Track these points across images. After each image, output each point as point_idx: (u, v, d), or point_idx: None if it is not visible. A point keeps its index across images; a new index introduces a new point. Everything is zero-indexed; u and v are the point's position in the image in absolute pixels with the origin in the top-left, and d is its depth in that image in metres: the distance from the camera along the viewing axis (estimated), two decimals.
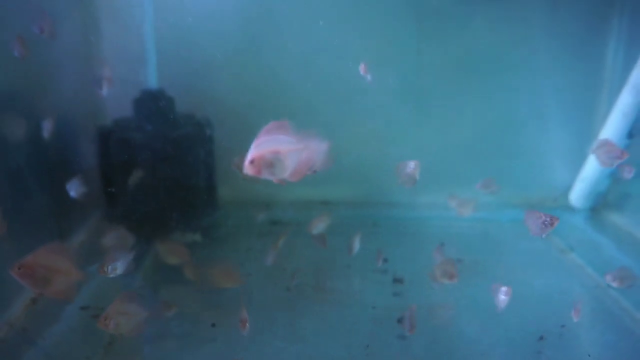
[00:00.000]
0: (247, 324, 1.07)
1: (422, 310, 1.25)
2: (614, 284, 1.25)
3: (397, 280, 1.44)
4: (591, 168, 1.79)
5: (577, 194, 1.86)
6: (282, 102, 1.83)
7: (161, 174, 1.61)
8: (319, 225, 1.50)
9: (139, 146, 1.60)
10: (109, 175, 1.64)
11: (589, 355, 1.16)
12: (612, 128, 1.63)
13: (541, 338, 1.20)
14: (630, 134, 1.62)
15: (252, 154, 0.68)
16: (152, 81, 1.76)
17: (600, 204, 1.85)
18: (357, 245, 1.44)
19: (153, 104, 1.68)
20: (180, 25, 1.79)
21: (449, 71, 1.84)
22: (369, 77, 1.35)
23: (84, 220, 1.65)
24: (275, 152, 0.72)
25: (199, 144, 1.71)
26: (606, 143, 1.20)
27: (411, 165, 1.15)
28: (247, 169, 0.68)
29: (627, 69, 1.67)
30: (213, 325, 1.24)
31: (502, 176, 1.91)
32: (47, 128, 1.34)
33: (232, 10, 1.80)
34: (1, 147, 1.26)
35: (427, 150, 1.86)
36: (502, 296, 1.12)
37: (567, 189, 1.89)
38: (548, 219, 1.02)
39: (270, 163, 0.72)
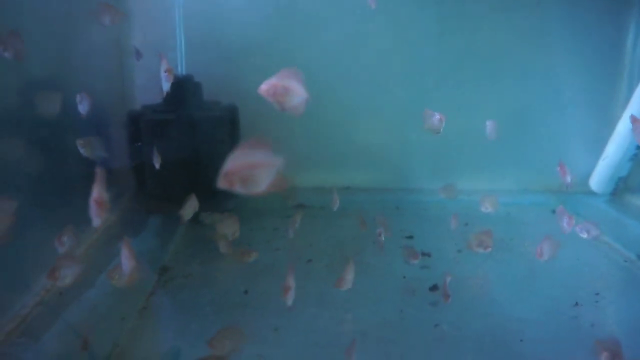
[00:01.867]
0: (291, 292, 0.98)
1: (453, 281, 1.20)
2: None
3: (424, 254, 1.39)
4: (612, 153, 1.74)
5: (598, 179, 1.80)
6: (308, 91, 1.80)
7: (188, 157, 1.59)
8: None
9: (166, 129, 1.58)
10: (138, 157, 1.62)
11: (577, 304, 1.13)
12: (633, 112, 1.57)
13: (576, 304, 1.15)
14: None
15: (227, 167, 0.66)
16: (181, 68, 1.74)
17: (621, 189, 1.79)
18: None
19: (181, 89, 1.66)
20: (208, 15, 1.79)
21: (470, 59, 1.81)
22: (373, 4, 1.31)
23: (116, 199, 1.62)
24: (250, 166, 0.69)
25: (225, 128, 1.68)
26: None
27: (437, 116, 1.12)
28: (221, 181, 0.66)
29: None
30: (245, 292, 1.19)
31: (522, 162, 1.88)
32: (83, 109, 1.30)
33: (258, 1, 1.79)
34: (41, 133, 1.24)
35: (449, 137, 1.81)
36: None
37: (588, 174, 1.84)
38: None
39: (244, 178, 0.69)
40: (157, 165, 1.47)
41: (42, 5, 1.26)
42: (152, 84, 1.69)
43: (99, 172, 0.85)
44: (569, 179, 1.22)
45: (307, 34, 1.79)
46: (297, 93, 0.81)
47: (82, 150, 1.14)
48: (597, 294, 1.19)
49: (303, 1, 1.78)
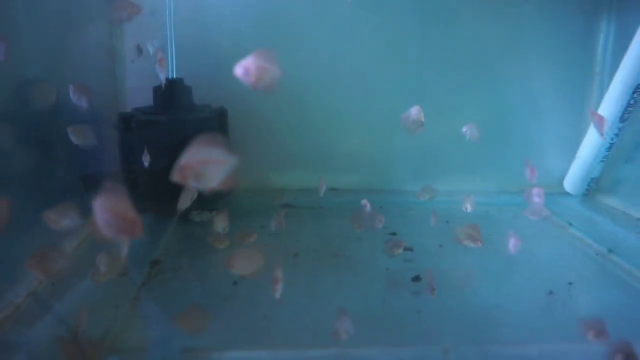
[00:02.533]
0: (279, 284, 0.98)
1: (435, 273, 1.24)
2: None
3: (407, 249, 1.42)
4: (584, 155, 1.80)
5: (572, 180, 1.86)
6: (292, 95, 1.85)
7: (178, 158, 1.60)
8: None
9: (157, 130, 1.60)
10: (130, 157, 1.63)
11: (551, 292, 1.18)
12: (604, 113, 1.64)
13: (550, 292, 1.19)
14: (622, 118, 1.63)
15: (181, 161, 0.69)
16: (172, 72, 1.77)
17: (593, 189, 1.85)
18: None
19: (172, 92, 1.69)
20: (198, 22, 1.82)
21: (449, 68, 1.87)
22: None
23: None
24: (203, 162, 0.72)
25: (214, 130, 1.71)
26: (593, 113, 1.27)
27: (414, 111, 1.15)
28: (175, 175, 0.68)
29: (615, 61, 1.71)
30: (235, 283, 1.21)
31: (499, 164, 1.93)
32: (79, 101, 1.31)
33: (247, 8, 1.83)
34: (35, 130, 1.26)
35: (430, 141, 1.87)
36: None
37: (562, 176, 1.90)
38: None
39: (197, 173, 0.72)
40: (146, 164, 1.49)
41: (38, 8, 1.28)
42: (142, 87, 1.73)
43: (115, 186, 0.76)
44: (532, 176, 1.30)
45: (293, 41, 1.83)
46: (269, 72, 0.83)
47: (73, 138, 1.16)
48: (570, 283, 1.23)
49: (290, 10, 1.82)
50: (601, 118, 1.34)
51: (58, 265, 0.97)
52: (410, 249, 1.42)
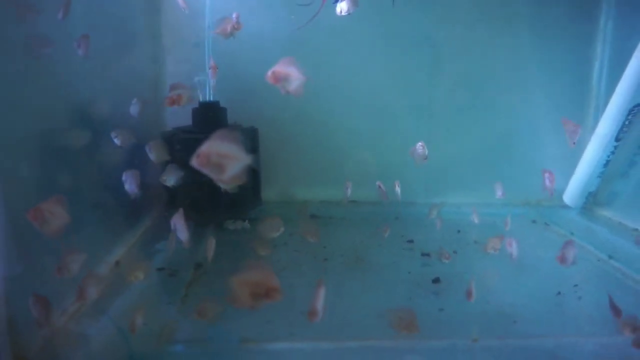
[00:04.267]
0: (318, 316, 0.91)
1: (453, 276, 1.29)
2: None
3: (424, 255, 1.47)
4: (582, 171, 1.85)
5: (570, 194, 1.91)
6: (315, 116, 1.92)
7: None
8: None
9: (196, 147, 1.66)
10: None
11: (560, 293, 1.23)
12: (601, 132, 1.70)
13: (559, 293, 1.23)
14: (617, 138, 1.69)
15: (202, 149, 0.70)
16: (209, 96, 1.84)
17: (591, 202, 1.90)
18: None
19: (208, 113, 1.77)
20: (233, 53, 1.90)
21: (457, 92, 1.94)
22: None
23: (150, 209, 1.69)
24: (222, 155, 0.73)
25: (246, 147, 1.76)
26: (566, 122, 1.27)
27: (419, 147, 1.32)
28: (194, 160, 0.71)
29: (610, 85, 1.77)
30: None
31: (504, 180, 1.98)
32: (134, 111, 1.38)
33: (276, 42, 1.90)
34: (87, 151, 1.32)
35: (440, 159, 1.92)
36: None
37: (562, 190, 1.95)
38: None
39: (214, 162, 0.73)
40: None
41: (99, 36, 1.35)
42: (180, 109, 1.80)
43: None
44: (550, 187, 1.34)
45: (317, 69, 1.88)
46: (296, 77, 0.91)
47: (116, 140, 1.22)
48: (576, 285, 1.27)
49: (314, 41, 1.89)
50: (575, 126, 1.32)
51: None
52: (428, 255, 1.47)
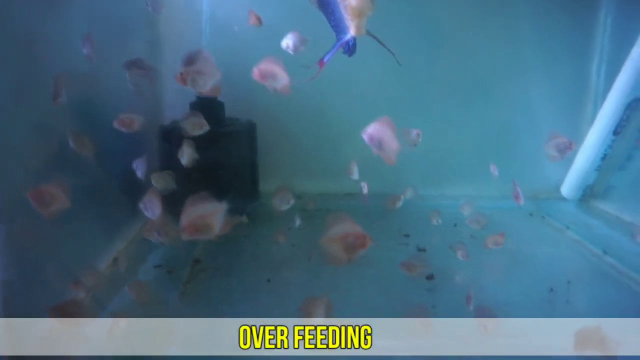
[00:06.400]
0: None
1: (447, 271, 1.29)
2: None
3: (420, 250, 1.48)
4: (580, 164, 1.84)
5: (568, 187, 1.90)
6: (312, 110, 1.91)
7: (212, 165, 1.67)
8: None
9: (195, 140, 1.66)
10: (169, 166, 1.69)
11: (552, 290, 1.22)
12: (599, 126, 1.68)
13: (551, 290, 1.23)
14: (615, 132, 1.68)
15: (182, 223, 0.78)
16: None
17: (588, 195, 1.89)
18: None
19: (207, 107, 1.76)
20: (231, 49, 1.88)
21: (456, 85, 1.92)
22: None
23: None
24: (201, 217, 0.81)
25: (244, 141, 1.77)
26: (556, 136, 1.17)
27: (415, 133, 1.29)
28: (184, 235, 0.79)
29: (608, 79, 1.75)
30: (268, 280, 1.27)
31: (502, 172, 1.98)
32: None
33: (273, 40, 1.88)
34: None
35: (438, 151, 1.92)
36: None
37: (560, 183, 1.94)
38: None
39: (199, 226, 0.80)
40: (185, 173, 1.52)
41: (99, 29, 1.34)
42: (178, 103, 1.80)
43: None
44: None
45: (314, 61, 1.88)
46: (281, 76, 0.95)
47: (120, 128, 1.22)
48: (569, 282, 1.28)
49: (310, 33, 1.87)
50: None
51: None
52: (424, 250, 1.47)
